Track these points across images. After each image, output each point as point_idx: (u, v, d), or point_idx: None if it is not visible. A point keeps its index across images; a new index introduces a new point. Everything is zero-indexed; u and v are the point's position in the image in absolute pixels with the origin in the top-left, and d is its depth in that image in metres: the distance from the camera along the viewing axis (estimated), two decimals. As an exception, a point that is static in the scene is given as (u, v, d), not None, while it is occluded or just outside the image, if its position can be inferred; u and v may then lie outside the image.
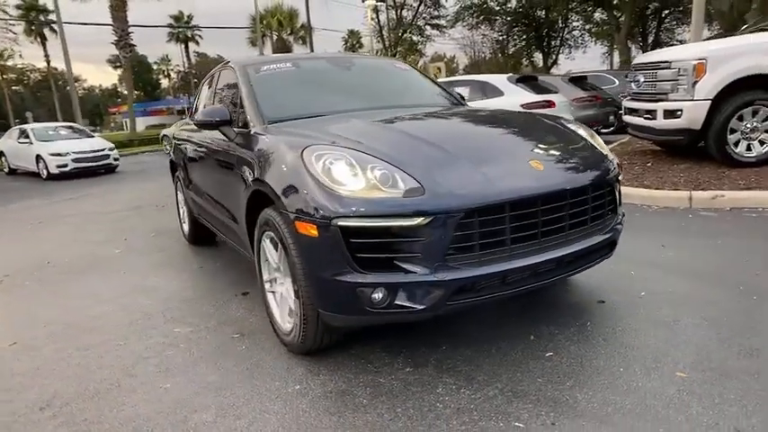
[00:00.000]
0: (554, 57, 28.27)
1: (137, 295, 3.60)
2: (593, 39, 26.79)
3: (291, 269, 2.24)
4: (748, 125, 5.39)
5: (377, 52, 29.83)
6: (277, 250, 2.52)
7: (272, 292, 2.68)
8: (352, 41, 48.41)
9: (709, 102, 5.37)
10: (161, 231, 5.63)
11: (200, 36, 48.21)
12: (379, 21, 30.79)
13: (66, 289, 3.91)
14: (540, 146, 2.41)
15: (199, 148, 3.74)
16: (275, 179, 2.29)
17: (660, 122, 5.80)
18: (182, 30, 46.54)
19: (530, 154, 2.30)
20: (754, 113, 5.36)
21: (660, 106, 5.78)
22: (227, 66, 3.69)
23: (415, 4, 29.91)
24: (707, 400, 1.92)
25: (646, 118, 6.07)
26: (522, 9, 26.68)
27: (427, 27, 30.91)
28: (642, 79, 6.19)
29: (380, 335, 2.61)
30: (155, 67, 65.87)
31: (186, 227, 4.88)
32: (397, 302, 2.02)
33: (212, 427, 1.99)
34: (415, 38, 30.89)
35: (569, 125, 2.78)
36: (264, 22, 26.10)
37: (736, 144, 5.49)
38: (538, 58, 29.87)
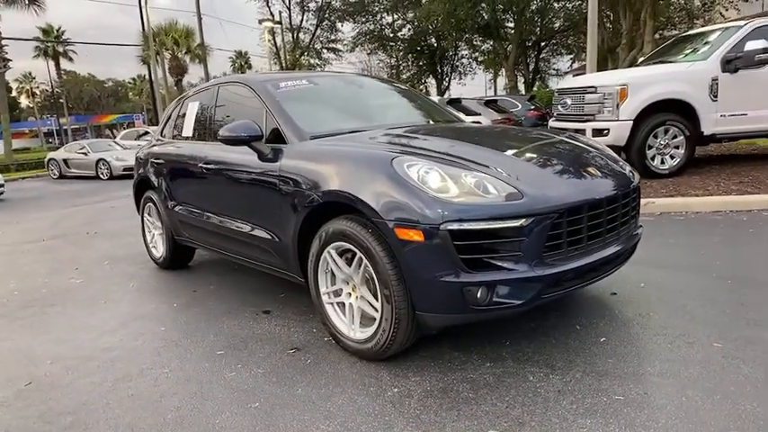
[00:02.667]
0: (446, 83, 30.11)
1: (142, 323, 3.35)
2: (481, 66, 29.01)
3: (381, 276, 2.31)
4: (662, 142, 6.33)
5: (276, 74, 29.57)
6: (345, 259, 2.57)
7: (332, 303, 2.71)
8: (240, 63, 47.59)
9: (632, 122, 6.22)
10: (115, 259, 5.20)
11: (74, 51, 44.25)
12: (275, 43, 30.68)
13: (43, 324, 3.51)
14: (587, 155, 2.74)
15: (201, 166, 3.60)
16: (363, 190, 2.34)
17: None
18: (50, 45, 42.41)
19: (584, 162, 2.61)
20: (666, 132, 6.31)
21: (589, 126, 6.56)
22: (234, 82, 3.62)
23: (312, 28, 30.31)
24: (751, 362, 2.31)
25: (575, 136, 6.82)
26: (415, 37, 28.21)
27: (324, 50, 31.41)
28: (570, 102, 6.97)
29: (439, 337, 2.73)
30: (14, 85, 59.10)
31: (159, 251, 4.59)
32: (495, 299, 2.19)
33: (337, 435, 2.00)
34: (312, 61, 31.18)
35: (589, 141, 3.16)
36: (157, 39, 24.80)
37: (653, 158, 6.40)
38: (430, 83, 31.60)
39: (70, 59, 44.92)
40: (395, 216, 2.22)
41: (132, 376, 2.61)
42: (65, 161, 16.14)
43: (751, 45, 6.07)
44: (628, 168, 2.83)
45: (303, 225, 2.72)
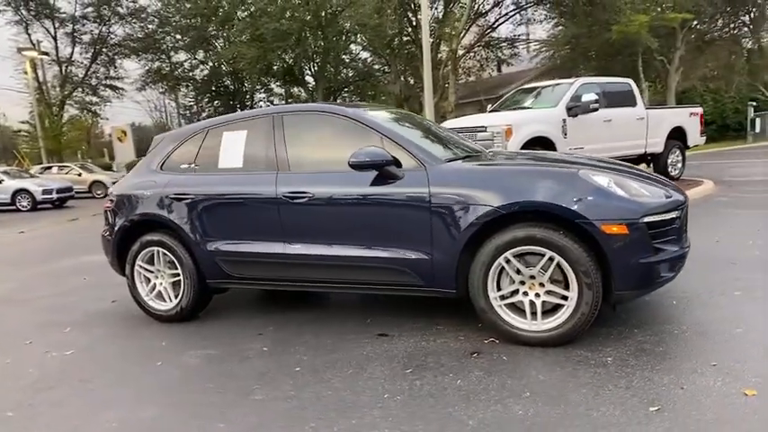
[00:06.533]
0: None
1: (256, 374, 3.03)
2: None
3: (581, 267, 2.77)
4: (537, 169, 7.96)
5: (39, 113, 25.26)
6: (520, 262, 2.95)
7: (501, 306, 3.02)
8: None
9: (518, 154, 7.69)
10: (75, 324, 4.22)
11: None
12: (37, 76, 26.26)
13: (106, 398, 2.87)
14: (648, 173, 3.67)
15: (285, 196, 3.43)
16: (561, 198, 2.80)
17: (485, 170, 7.85)
18: None
19: (654, 177, 3.53)
20: (538, 161, 7.97)
21: (484, 158, 7.83)
22: (312, 111, 3.63)
23: (87, 62, 26.95)
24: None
25: (470, 167, 8.04)
26: (211, 78, 27.61)
27: (101, 87, 28.05)
28: (461, 139, 8.18)
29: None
30: None
31: (169, 302, 3.98)
32: (663, 274, 2.90)
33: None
34: (88, 98, 27.58)
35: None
36: None
37: (532, 182, 7.98)
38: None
39: None
40: (599, 216, 2.75)
41: (360, 414, 2.46)
42: None
43: (585, 97, 8.17)
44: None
45: (470, 239, 3.00)
